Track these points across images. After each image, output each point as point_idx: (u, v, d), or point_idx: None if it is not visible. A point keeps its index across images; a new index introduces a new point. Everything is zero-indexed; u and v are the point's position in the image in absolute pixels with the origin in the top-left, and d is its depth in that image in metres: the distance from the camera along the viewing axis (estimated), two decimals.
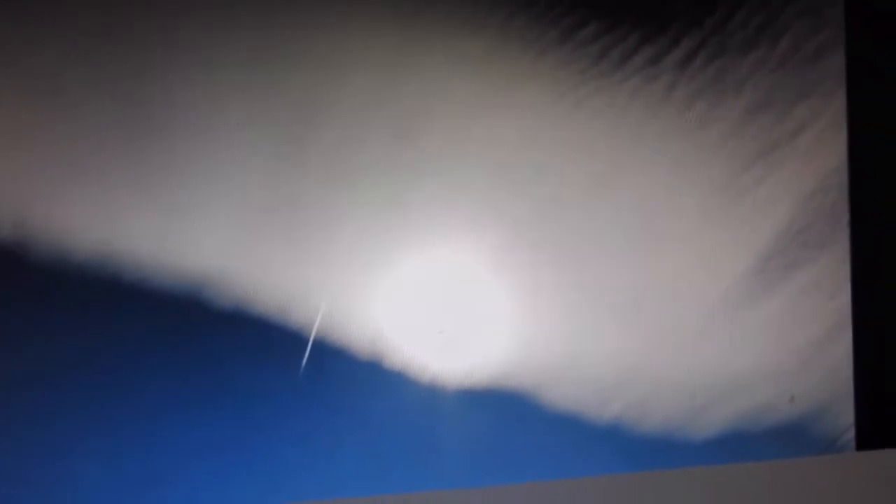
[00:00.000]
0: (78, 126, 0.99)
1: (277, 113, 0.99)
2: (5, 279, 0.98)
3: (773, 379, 0.89)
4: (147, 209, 0.98)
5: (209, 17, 0.99)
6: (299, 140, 0.98)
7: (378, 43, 0.99)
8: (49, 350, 0.97)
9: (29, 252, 0.97)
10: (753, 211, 0.91)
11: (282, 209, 0.98)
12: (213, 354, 0.97)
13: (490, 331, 0.96)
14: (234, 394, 0.96)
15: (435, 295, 0.97)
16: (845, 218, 0.89)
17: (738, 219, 0.91)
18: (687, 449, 0.91)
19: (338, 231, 0.98)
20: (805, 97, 0.91)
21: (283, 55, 0.99)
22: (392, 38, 0.98)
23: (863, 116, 0.89)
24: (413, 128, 0.98)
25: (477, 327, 0.96)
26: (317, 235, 0.98)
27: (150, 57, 0.99)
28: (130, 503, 0.95)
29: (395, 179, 0.98)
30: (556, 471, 0.92)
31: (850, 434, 0.87)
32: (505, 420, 0.95)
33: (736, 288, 0.90)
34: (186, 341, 0.97)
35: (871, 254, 0.89)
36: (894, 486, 0.79)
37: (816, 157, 0.90)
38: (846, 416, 0.87)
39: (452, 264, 0.97)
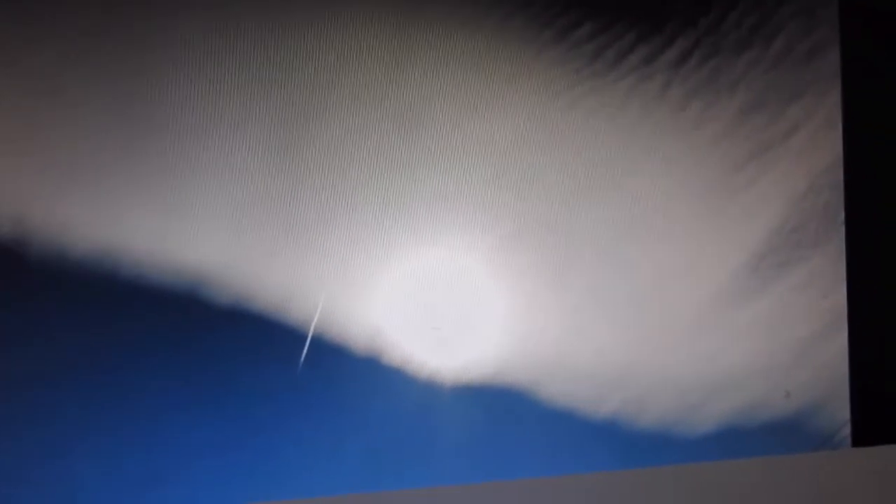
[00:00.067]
0: (77, 126, 0.99)
1: (275, 111, 0.99)
2: (4, 278, 0.98)
3: (768, 375, 0.89)
4: (146, 208, 0.98)
5: (208, 16, 0.99)
6: (297, 138, 0.99)
7: (376, 42, 0.99)
8: (48, 349, 0.97)
9: (28, 251, 0.97)
10: (747, 210, 0.91)
11: (279, 207, 0.98)
12: (213, 353, 0.96)
13: (486, 327, 0.96)
14: (235, 393, 0.96)
15: (432, 292, 0.97)
16: (839, 217, 0.89)
17: (732, 217, 0.92)
18: (683, 445, 0.91)
19: (335, 229, 0.98)
20: (799, 97, 0.91)
21: (282, 54, 0.99)
22: (390, 38, 0.98)
23: (857, 116, 0.90)
24: (410, 126, 0.98)
25: (473, 324, 0.96)
26: (314, 233, 0.98)
27: (150, 57, 0.99)
28: (130, 503, 0.94)
29: (393, 178, 0.98)
30: (553, 467, 0.92)
31: (846, 430, 0.88)
32: (501, 416, 0.95)
33: (731, 286, 0.91)
34: (187, 340, 0.97)
35: (866, 252, 0.89)
36: (890, 482, 0.80)
37: (810, 157, 0.91)
38: (842, 412, 0.88)
39: (449, 261, 0.97)
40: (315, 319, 0.96)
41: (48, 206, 0.98)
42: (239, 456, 0.95)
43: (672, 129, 0.93)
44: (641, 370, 0.92)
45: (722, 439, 0.90)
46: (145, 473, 0.95)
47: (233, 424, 0.96)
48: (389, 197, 0.98)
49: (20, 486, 0.94)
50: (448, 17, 0.97)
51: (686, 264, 0.92)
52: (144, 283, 0.97)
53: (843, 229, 0.89)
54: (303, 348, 0.96)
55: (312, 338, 0.96)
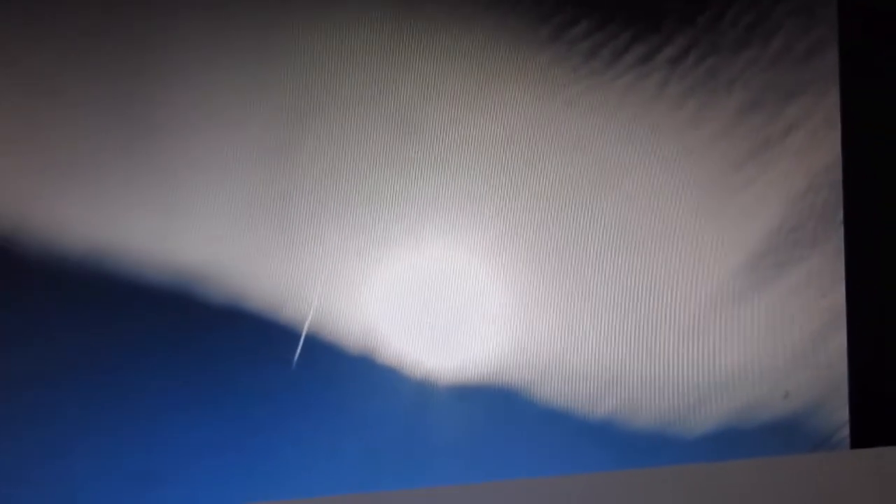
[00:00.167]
0: (77, 126, 0.99)
1: (271, 112, 0.99)
2: (3, 278, 0.98)
3: (766, 375, 0.89)
4: (144, 208, 0.98)
5: (207, 16, 1.00)
6: (293, 138, 0.99)
7: (370, 42, 0.99)
8: (47, 349, 0.97)
9: (27, 251, 0.98)
10: (745, 209, 0.91)
11: (275, 206, 0.98)
12: (211, 353, 0.97)
13: (482, 327, 0.96)
14: (233, 392, 0.96)
15: (427, 291, 0.97)
16: (838, 216, 0.89)
17: (730, 217, 0.91)
18: (680, 446, 0.91)
19: (331, 228, 0.98)
20: (797, 96, 0.91)
21: (278, 54, 0.99)
22: (385, 36, 0.99)
23: (856, 115, 0.90)
24: (405, 125, 0.98)
25: (469, 323, 0.96)
26: (310, 232, 0.98)
27: (149, 57, 1.00)
28: (129, 502, 0.95)
29: (387, 177, 0.98)
30: (549, 467, 0.92)
31: (845, 431, 0.87)
32: (497, 416, 0.94)
33: (728, 285, 0.90)
34: (186, 340, 0.97)
35: (865, 252, 0.89)
36: (889, 483, 0.79)
37: (808, 156, 0.90)
38: (840, 413, 0.87)
39: (445, 261, 0.97)
40: (309, 319, 0.96)
41: (47, 206, 0.98)
42: (237, 456, 0.95)
43: (669, 128, 0.93)
44: (638, 370, 0.92)
45: (720, 440, 0.90)
46: (144, 473, 0.95)
47: (231, 424, 0.96)
48: (384, 196, 0.98)
49: (20, 485, 0.95)
50: (443, 16, 0.97)
51: (683, 264, 0.92)
52: (143, 282, 0.97)
53: (841, 229, 0.89)
54: (296, 348, 0.96)
55: (308, 337, 0.96)
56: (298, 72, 0.99)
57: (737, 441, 0.89)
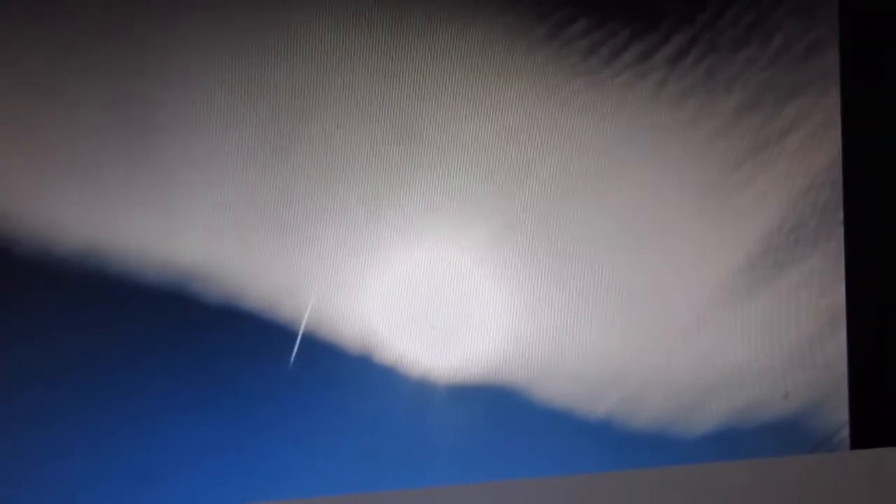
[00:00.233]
0: (77, 126, 0.99)
1: (268, 111, 0.99)
2: (3, 278, 0.98)
3: (766, 376, 0.89)
4: (143, 207, 0.98)
5: (206, 16, 1.00)
6: (290, 138, 0.99)
7: (369, 40, 0.99)
8: (47, 349, 0.97)
9: (26, 250, 0.98)
10: (745, 209, 0.91)
11: (273, 206, 0.98)
12: (211, 353, 0.97)
13: (480, 326, 0.96)
14: (233, 392, 0.96)
15: (425, 290, 0.97)
16: (838, 215, 0.89)
17: (729, 216, 0.91)
18: (680, 446, 0.90)
19: (328, 227, 0.98)
20: (796, 96, 0.91)
21: (277, 54, 0.99)
22: (383, 36, 0.98)
23: (856, 115, 0.89)
24: (402, 124, 0.98)
25: (467, 322, 0.96)
26: (308, 231, 0.98)
27: (148, 57, 0.99)
28: (129, 502, 0.95)
29: (384, 176, 0.98)
30: (548, 467, 0.92)
31: (845, 432, 0.87)
32: (496, 416, 0.94)
33: (728, 285, 0.90)
34: (185, 340, 0.97)
35: (865, 251, 0.89)
36: (888, 484, 0.79)
37: (808, 156, 0.90)
38: (840, 413, 0.87)
39: (442, 260, 0.97)
40: (305, 318, 0.96)
41: (47, 206, 0.98)
42: (237, 456, 0.95)
43: (668, 127, 0.93)
44: (637, 370, 0.91)
45: (719, 440, 0.89)
46: (144, 473, 0.95)
47: (230, 424, 0.96)
48: (381, 195, 0.97)
49: (20, 485, 0.94)
50: (440, 13, 0.97)
51: (683, 263, 0.92)
52: (142, 282, 0.97)
53: (841, 229, 0.89)
54: (293, 347, 0.96)
55: (307, 337, 0.96)
56: (296, 72, 0.99)
57: (736, 441, 0.89)
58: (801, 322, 0.89)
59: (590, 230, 0.94)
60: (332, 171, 0.98)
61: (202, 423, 0.96)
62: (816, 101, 0.90)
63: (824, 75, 0.90)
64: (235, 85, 0.99)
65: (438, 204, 0.97)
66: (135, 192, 0.98)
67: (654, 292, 0.92)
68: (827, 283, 0.88)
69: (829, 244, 0.89)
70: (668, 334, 0.91)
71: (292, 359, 0.96)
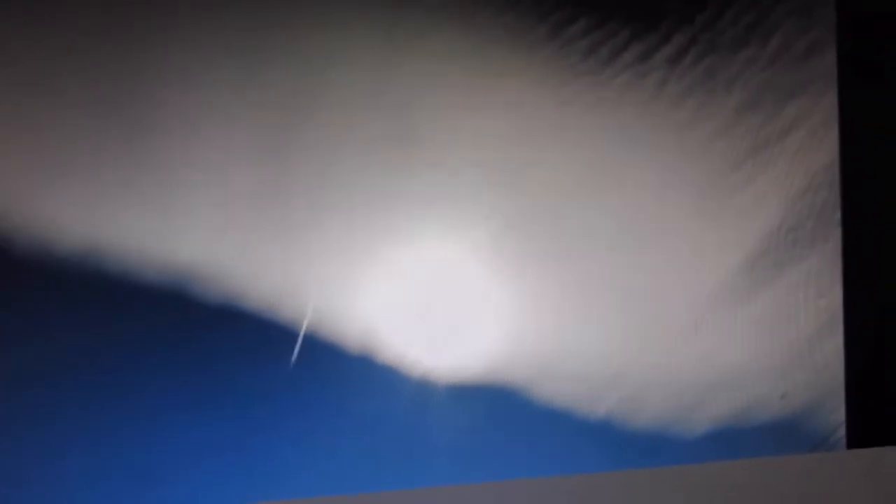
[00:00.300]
0: (76, 125, 0.99)
1: (268, 111, 0.99)
2: (3, 278, 0.98)
3: (764, 376, 0.89)
4: (143, 207, 0.98)
5: (206, 16, 0.99)
6: (290, 137, 0.99)
7: (368, 40, 0.99)
8: (47, 349, 0.97)
9: (26, 250, 0.98)
10: (744, 209, 0.91)
11: (273, 205, 0.98)
12: (211, 353, 0.97)
13: (481, 326, 0.96)
14: (232, 392, 0.96)
15: (425, 290, 0.97)
16: (836, 216, 0.89)
17: (728, 216, 0.91)
18: (678, 446, 0.91)
19: (328, 227, 0.98)
20: (795, 96, 0.91)
21: (277, 54, 0.99)
22: (380, 35, 0.98)
23: (854, 115, 0.89)
24: (402, 124, 0.98)
25: (468, 322, 0.96)
26: (308, 231, 0.98)
27: (149, 57, 0.99)
28: (128, 502, 0.95)
29: (385, 175, 0.98)
30: (548, 467, 0.92)
31: (842, 432, 0.87)
32: (496, 416, 0.95)
33: (727, 285, 0.90)
34: (185, 340, 0.97)
35: (863, 252, 0.89)
36: (885, 484, 0.79)
37: (807, 156, 0.90)
38: (837, 413, 0.87)
39: (443, 259, 0.97)
40: (307, 318, 0.96)
41: (47, 206, 0.98)
42: (237, 456, 0.95)
43: (667, 127, 0.93)
44: (637, 370, 0.92)
45: (717, 440, 0.90)
46: (144, 473, 0.95)
47: (230, 424, 0.96)
48: (382, 195, 0.98)
49: (20, 485, 0.94)
50: (440, 13, 0.97)
51: (681, 264, 0.92)
52: (142, 282, 0.97)
53: (839, 229, 0.89)
54: (294, 348, 0.96)
55: (307, 337, 0.96)
56: (295, 72, 0.99)
57: (735, 441, 0.89)
58: (799, 322, 0.89)
59: (590, 230, 0.94)
60: (331, 172, 0.98)
61: (202, 423, 0.96)
62: (816, 101, 0.90)
63: (824, 75, 0.90)
64: (235, 85, 0.99)
65: (439, 204, 0.97)
66: (134, 191, 0.98)
67: (653, 292, 0.92)
68: (825, 284, 0.89)
69: (827, 245, 0.89)
70: (667, 334, 0.91)
71: (293, 359, 0.96)
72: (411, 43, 0.98)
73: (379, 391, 0.95)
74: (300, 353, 0.96)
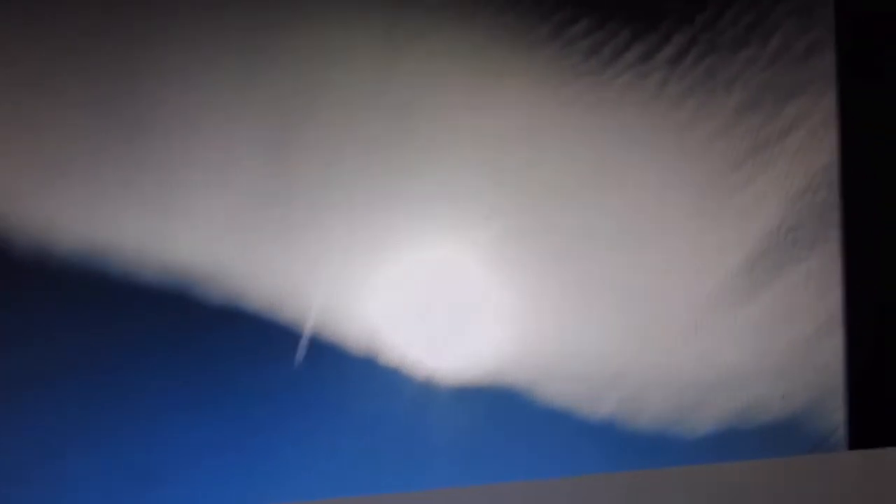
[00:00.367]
0: (76, 125, 0.99)
1: (270, 111, 0.98)
2: (3, 278, 0.98)
3: (764, 377, 0.89)
4: (143, 208, 0.98)
5: (205, 16, 0.99)
6: (292, 138, 0.98)
7: (370, 40, 0.98)
8: (48, 349, 0.97)
9: (27, 251, 0.97)
10: (744, 209, 0.91)
11: (275, 206, 0.98)
12: (211, 353, 0.97)
13: (482, 327, 0.96)
14: (233, 393, 0.96)
15: (428, 290, 0.97)
16: (836, 216, 0.89)
17: (728, 217, 0.91)
18: (679, 447, 0.91)
19: (331, 227, 0.97)
20: (795, 96, 0.91)
21: (276, 53, 0.99)
22: (383, 35, 0.98)
23: (853, 115, 0.89)
24: (404, 124, 0.98)
25: (470, 323, 0.96)
26: (310, 232, 0.97)
27: (149, 56, 0.99)
28: (129, 502, 0.95)
29: (388, 176, 0.97)
30: (550, 468, 0.92)
31: (842, 432, 0.87)
32: (499, 417, 0.95)
33: (727, 286, 0.90)
34: (185, 340, 0.97)
35: (863, 252, 0.89)
36: (885, 484, 0.79)
37: (807, 157, 0.90)
38: (837, 414, 0.87)
39: (445, 260, 0.97)
40: (311, 319, 0.96)
41: (47, 206, 0.98)
42: (237, 456, 0.95)
43: (668, 127, 0.93)
44: (637, 370, 0.92)
45: (718, 441, 0.90)
46: (144, 473, 0.95)
47: (231, 424, 0.96)
48: (384, 195, 0.97)
49: (20, 485, 0.94)
50: (441, 13, 0.97)
51: (682, 264, 0.92)
52: (143, 283, 0.97)
53: (839, 229, 0.89)
54: (299, 348, 0.96)
55: (309, 337, 0.96)
56: (297, 72, 0.98)
57: (735, 442, 0.89)
58: (799, 323, 0.89)
59: (590, 230, 0.94)
60: (333, 172, 0.98)
61: (202, 423, 0.96)
62: (816, 101, 0.90)
63: (824, 75, 0.90)
64: (236, 84, 0.99)
65: (439, 204, 0.97)
66: (134, 191, 0.98)
67: (653, 293, 0.92)
68: (825, 284, 0.89)
69: (827, 245, 0.89)
70: (667, 334, 0.91)
71: (297, 361, 0.96)
72: (412, 43, 0.98)
73: (381, 392, 0.95)
74: (304, 354, 0.96)
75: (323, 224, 0.97)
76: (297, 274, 0.96)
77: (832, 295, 0.88)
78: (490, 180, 0.96)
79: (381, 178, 0.97)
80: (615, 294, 0.93)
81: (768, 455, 0.88)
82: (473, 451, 0.94)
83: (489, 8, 0.96)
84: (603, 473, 0.82)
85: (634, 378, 0.92)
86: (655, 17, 0.94)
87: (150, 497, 0.95)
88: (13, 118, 0.99)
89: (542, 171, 0.96)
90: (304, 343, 0.95)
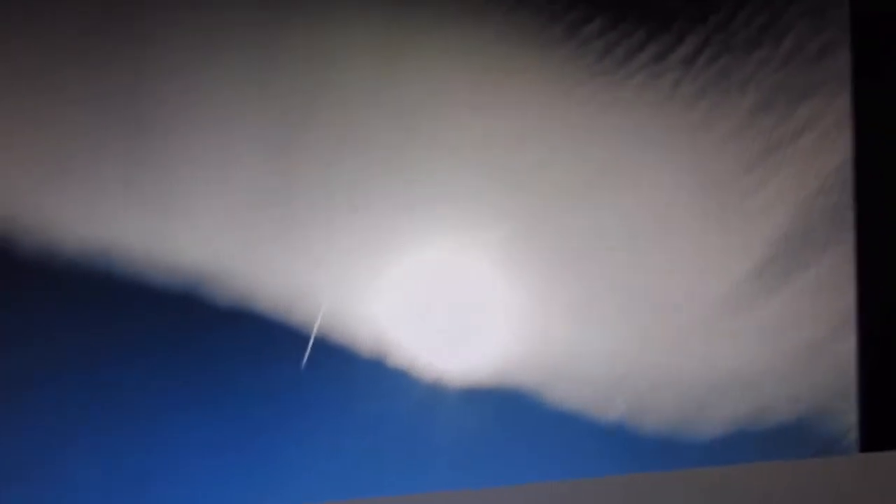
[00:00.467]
0: (77, 124, 0.98)
1: (277, 110, 0.98)
2: (3, 278, 0.97)
3: (776, 379, 0.89)
4: (145, 207, 0.97)
5: (207, 13, 0.99)
6: (299, 137, 0.98)
7: (379, 37, 0.98)
8: (47, 349, 0.97)
9: (27, 250, 0.97)
10: (757, 211, 0.91)
11: (281, 206, 0.98)
12: (214, 353, 0.96)
13: (491, 328, 0.96)
14: (235, 393, 0.96)
15: (437, 292, 0.97)
16: (849, 218, 0.89)
17: (742, 218, 0.91)
18: (690, 449, 0.91)
19: (339, 228, 0.97)
20: (808, 97, 0.91)
21: (281, 52, 0.98)
22: (393, 33, 0.98)
23: (867, 117, 0.90)
24: (413, 124, 0.97)
25: (479, 325, 0.96)
26: (317, 232, 0.97)
27: (150, 55, 0.99)
28: (130, 502, 0.94)
29: (396, 176, 0.97)
30: (559, 471, 0.92)
31: (854, 435, 0.88)
32: (507, 419, 0.94)
33: (739, 288, 0.91)
34: (186, 340, 0.96)
35: (876, 254, 0.89)
36: None
37: (820, 158, 0.90)
38: (849, 417, 0.87)
39: (454, 261, 0.97)
40: (318, 320, 0.96)
41: (48, 205, 0.98)
42: (239, 456, 0.95)
43: (681, 128, 0.93)
44: (648, 372, 0.92)
45: (729, 443, 0.90)
46: (145, 473, 0.94)
47: (233, 425, 0.95)
48: (393, 195, 0.97)
49: (20, 485, 0.93)
50: (453, 11, 0.97)
51: (694, 266, 0.92)
52: (144, 282, 0.97)
53: (852, 231, 0.89)
54: (305, 349, 0.96)
55: (315, 338, 0.96)
56: (303, 69, 0.98)
57: (747, 444, 0.89)
58: (811, 325, 0.89)
59: (602, 232, 0.94)
60: (341, 172, 0.98)
61: (204, 423, 0.95)
62: (829, 102, 0.90)
63: (837, 76, 0.90)
64: (240, 83, 0.98)
65: (449, 205, 0.97)
66: (136, 191, 0.98)
67: (664, 294, 0.92)
68: (838, 286, 0.89)
69: (840, 247, 0.89)
70: (679, 337, 0.91)
71: (304, 361, 0.95)
72: (424, 42, 0.97)
73: (387, 393, 0.95)
74: (311, 355, 0.96)
75: (328, 224, 0.97)
76: (302, 274, 0.96)
77: (845, 297, 0.88)
78: (501, 181, 0.96)
79: (386, 178, 0.97)
80: (626, 295, 0.93)
81: (780, 458, 0.88)
82: (482, 454, 0.94)
83: (501, 6, 0.96)
84: (611, 476, 0.82)
85: (644, 380, 0.92)
86: (668, 16, 0.94)
87: (151, 497, 0.94)
88: (14, 116, 0.98)
89: (551, 171, 0.96)
90: (310, 344, 0.95)
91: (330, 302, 0.96)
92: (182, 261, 0.97)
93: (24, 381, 0.96)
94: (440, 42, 0.97)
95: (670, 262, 0.93)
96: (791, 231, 0.91)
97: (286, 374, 0.95)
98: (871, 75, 0.90)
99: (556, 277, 0.95)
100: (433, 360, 0.96)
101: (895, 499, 0.79)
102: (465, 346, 0.96)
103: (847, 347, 0.88)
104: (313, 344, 0.96)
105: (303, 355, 0.96)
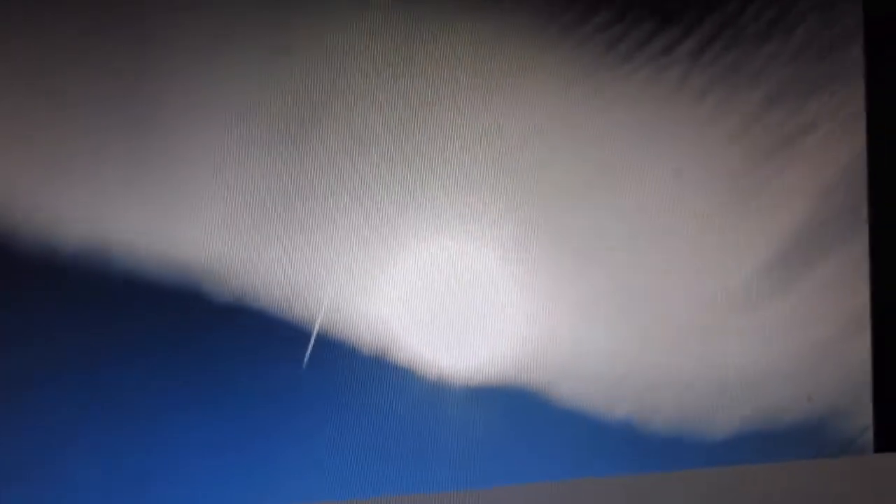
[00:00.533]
0: (77, 123, 0.99)
1: (278, 106, 0.98)
2: (3, 278, 0.97)
3: (790, 378, 0.88)
4: (146, 206, 0.97)
5: (210, 13, 0.99)
6: (301, 133, 0.98)
7: (381, 34, 0.98)
8: (47, 349, 0.96)
9: (27, 249, 0.97)
10: (767, 207, 0.90)
11: (283, 203, 0.97)
12: (213, 352, 0.96)
13: (497, 326, 0.95)
14: (235, 393, 0.95)
15: (440, 290, 0.96)
16: (863, 215, 0.88)
17: (751, 215, 0.91)
18: (702, 449, 0.90)
19: (341, 225, 0.97)
20: (819, 92, 0.90)
21: (284, 50, 0.98)
22: (396, 29, 0.98)
23: (880, 110, 0.89)
24: (417, 120, 0.97)
25: (484, 323, 0.95)
26: (319, 229, 0.97)
27: (151, 55, 0.99)
28: (129, 502, 0.93)
29: (399, 173, 0.97)
30: (567, 469, 0.91)
31: (868, 435, 0.87)
32: (513, 418, 0.94)
33: (751, 285, 0.90)
34: (186, 340, 0.96)
35: (890, 250, 0.88)
36: None
37: (832, 153, 0.90)
38: (864, 416, 0.87)
39: (458, 258, 0.96)
40: (320, 318, 0.95)
41: (48, 205, 0.98)
42: (239, 456, 0.94)
43: (691, 121, 0.92)
44: (658, 371, 0.91)
45: (742, 443, 0.89)
46: (145, 473, 0.94)
47: (232, 425, 0.95)
48: (396, 192, 0.97)
49: (20, 485, 0.93)
50: (456, 6, 0.96)
51: (705, 262, 0.91)
52: (144, 281, 0.97)
53: (866, 227, 0.88)
54: (307, 347, 0.95)
55: (319, 337, 0.96)
56: (306, 67, 0.98)
57: (760, 444, 0.89)
58: (825, 323, 0.88)
59: (611, 227, 0.93)
60: (344, 169, 0.97)
61: (204, 423, 0.95)
62: (841, 95, 0.89)
63: (848, 70, 0.89)
64: (243, 83, 0.99)
65: (453, 203, 0.96)
66: (137, 190, 0.98)
67: (675, 292, 0.91)
68: (851, 284, 0.88)
69: (853, 243, 0.88)
70: (689, 336, 0.90)
71: (306, 360, 0.95)
72: (427, 36, 0.97)
73: (392, 393, 0.95)
74: (313, 353, 0.95)
75: (330, 222, 0.97)
76: (304, 272, 0.96)
77: (859, 294, 0.87)
78: (507, 177, 0.95)
79: (389, 176, 0.97)
80: (636, 292, 0.92)
81: (793, 457, 0.87)
82: (488, 453, 0.93)
83: (507, 2, 0.96)
84: (620, 476, 0.82)
85: (654, 379, 0.91)
86: (676, 8, 0.93)
87: (151, 497, 0.94)
88: (14, 116, 0.98)
89: (559, 167, 0.95)
90: (311, 343, 0.95)
91: (331, 301, 0.96)
92: (182, 261, 0.97)
93: (24, 381, 0.96)
94: (444, 40, 0.97)
95: (681, 259, 0.92)
96: (802, 228, 0.90)
97: (286, 374, 0.95)
98: (884, 68, 0.89)
99: (563, 274, 0.94)
100: (436, 359, 0.95)
101: None
102: (468, 345, 0.95)
103: (861, 346, 0.87)
104: (314, 343, 0.95)
105: (304, 355, 0.95)
